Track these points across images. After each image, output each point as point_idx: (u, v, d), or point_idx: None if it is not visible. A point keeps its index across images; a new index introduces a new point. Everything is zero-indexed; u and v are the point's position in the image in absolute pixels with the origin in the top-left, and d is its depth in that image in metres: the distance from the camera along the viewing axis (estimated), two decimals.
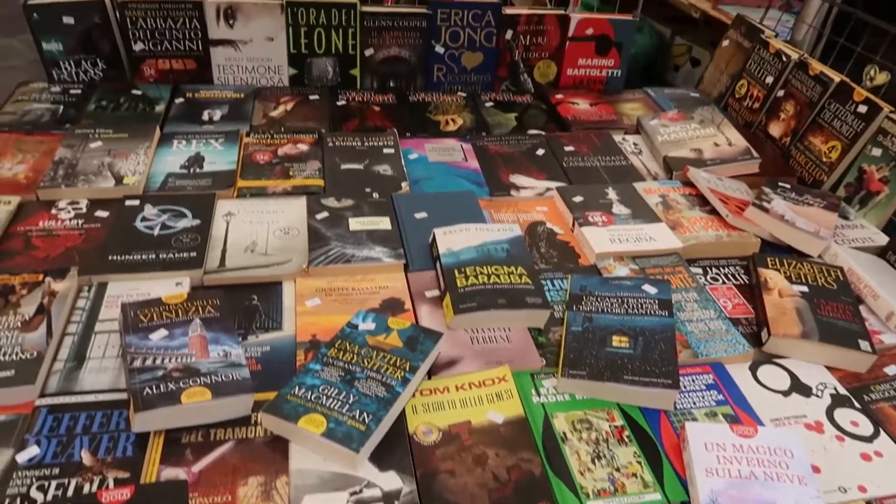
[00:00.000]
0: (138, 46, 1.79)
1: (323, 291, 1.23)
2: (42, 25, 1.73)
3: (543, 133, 1.78)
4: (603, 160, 1.69)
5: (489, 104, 1.92)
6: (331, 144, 1.63)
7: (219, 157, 1.55)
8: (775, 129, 1.79)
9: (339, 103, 1.85)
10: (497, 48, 1.94)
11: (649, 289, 1.21)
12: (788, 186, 1.54)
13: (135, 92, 1.78)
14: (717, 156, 1.65)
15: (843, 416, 1.06)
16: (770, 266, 1.31)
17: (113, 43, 1.79)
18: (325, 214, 1.39)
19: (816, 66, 1.71)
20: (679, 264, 1.34)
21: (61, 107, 1.69)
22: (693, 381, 1.10)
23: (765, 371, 1.14)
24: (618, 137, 1.79)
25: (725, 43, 2.05)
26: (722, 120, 1.75)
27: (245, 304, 1.19)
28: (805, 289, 1.25)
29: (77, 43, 1.76)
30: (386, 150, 1.63)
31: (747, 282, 1.34)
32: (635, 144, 1.77)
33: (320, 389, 0.99)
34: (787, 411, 1.07)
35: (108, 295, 1.18)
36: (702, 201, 1.52)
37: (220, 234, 1.33)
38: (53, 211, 1.36)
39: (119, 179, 1.43)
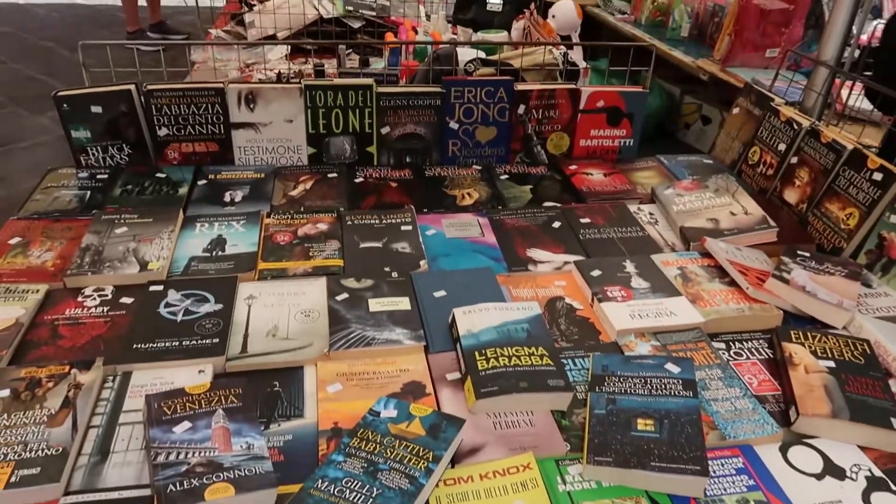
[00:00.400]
0: (163, 132, 1.86)
1: (344, 376, 1.23)
2: (71, 115, 1.80)
3: (559, 205, 1.80)
4: (619, 231, 1.70)
5: (504, 177, 1.95)
6: (349, 222, 1.66)
7: (240, 240, 1.58)
8: (791, 196, 1.80)
9: (357, 180, 1.89)
10: (510, 122, 1.99)
11: (672, 368, 1.20)
12: (808, 255, 1.53)
13: (159, 175, 1.83)
14: (733, 225, 1.65)
15: (881, 501, 1.03)
16: (794, 340, 1.30)
17: (138, 129, 1.85)
18: (345, 296, 1.40)
19: (828, 134, 1.72)
20: (701, 339, 1.33)
21: (88, 192, 1.74)
22: (722, 465, 1.08)
23: (796, 452, 1.11)
24: (633, 207, 1.80)
25: (736, 110, 2.08)
26: (737, 188, 1.76)
27: (267, 390, 1.19)
28: (832, 364, 1.24)
29: (104, 130, 1.83)
30: (404, 227, 1.66)
31: (772, 356, 1.33)
32: (651, 214, 1.79)
33: (343, 482, 0.98)
34: (822, 496, 1.04)
35: (133, 385, 1.19)
36: (721, 273, 1.52)
37: (241, 319, 1.34)
38: (80, 298, 1.38)
39: (144, 265, 1.46)
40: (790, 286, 1.41)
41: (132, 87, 1.82)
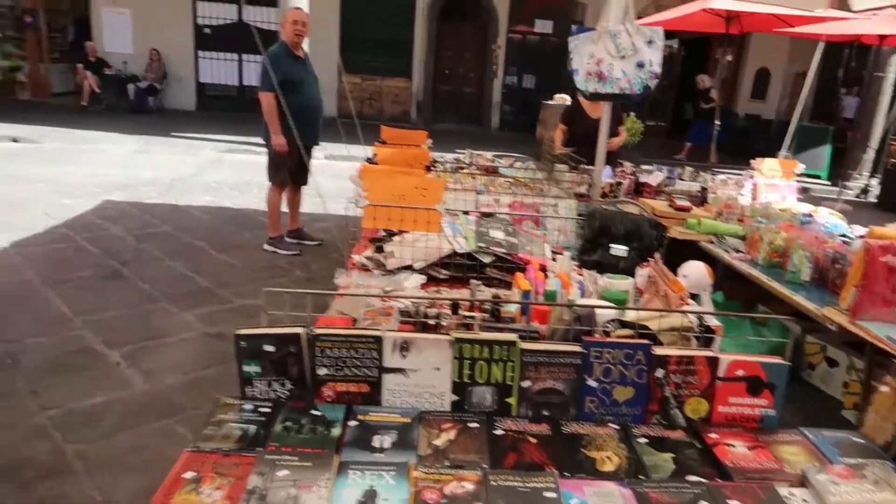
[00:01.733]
0: (322, 371, 2.02)
1: None
2: (247, 351, 2.01)
3: (705, 482, 1.76)
4: None
5: (643, 440, 1.95)
6: (493, 483, 1.69)
7: (392, 493, 1.64)
8: None
9: (497, 432, 1.94)
10: (648, 384, 2.03)
11: None
12: None
13: (314, 413, 1.97)
14: None
15: None
16: None
17: (301, 368, 2.03)
18: None
19: None
20: None
21: (252, 426, 1.89)
22: None
23: None
24: (783, 491, 1.74)
25: (884, 389, 2.04)
26: None
27: None
28: None
29: (272, 366, 2.02)
30: (547, 493, 1.67)
31: None
32: (805, 501, 1.71)
33: None
34: None
35: None
36: None
37: None
38: None
39: None
40: None
41: (301, 330, 2.03)
